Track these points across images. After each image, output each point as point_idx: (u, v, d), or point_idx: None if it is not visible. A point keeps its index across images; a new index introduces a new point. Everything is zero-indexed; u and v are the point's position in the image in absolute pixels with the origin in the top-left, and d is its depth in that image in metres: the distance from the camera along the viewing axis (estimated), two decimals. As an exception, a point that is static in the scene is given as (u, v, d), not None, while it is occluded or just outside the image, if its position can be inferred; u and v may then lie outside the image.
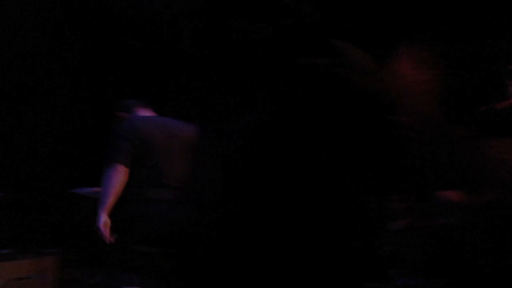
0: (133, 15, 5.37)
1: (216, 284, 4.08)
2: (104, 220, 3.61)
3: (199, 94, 5.86)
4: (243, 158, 4.51)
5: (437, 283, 3.81)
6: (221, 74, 5.77)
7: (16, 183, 5.57)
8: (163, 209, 3.75)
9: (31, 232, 5.50)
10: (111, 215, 3.66)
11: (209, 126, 5.35)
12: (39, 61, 5.50)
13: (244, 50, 5.61)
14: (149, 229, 3.73)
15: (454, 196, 4.18)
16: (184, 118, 5.43)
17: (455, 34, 5.29)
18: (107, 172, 3.64)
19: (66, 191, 4.56)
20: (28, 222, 5.54)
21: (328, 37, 5.33)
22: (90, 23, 5.40)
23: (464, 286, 3.72)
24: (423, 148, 5.45)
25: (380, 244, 4.50)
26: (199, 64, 5.86)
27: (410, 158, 5.46)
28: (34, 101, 5.75)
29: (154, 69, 5.85)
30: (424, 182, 5.25)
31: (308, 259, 4.81)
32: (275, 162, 5.03)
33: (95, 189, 4.21)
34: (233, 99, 5.73)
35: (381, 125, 5.51)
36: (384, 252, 4.35)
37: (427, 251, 3.91)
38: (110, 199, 3.61)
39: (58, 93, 5.76)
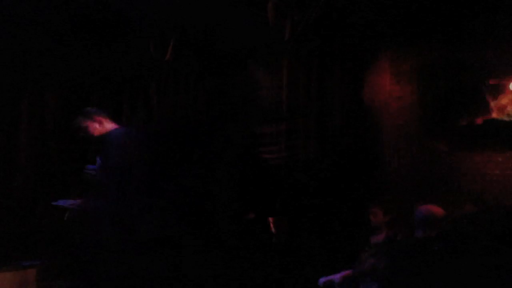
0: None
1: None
2: None
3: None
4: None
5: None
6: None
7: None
8: (149, 214, 3.78)
9: (12, 243, 5.44)
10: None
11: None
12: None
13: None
14: (134, 235, 3.74)
15: (435, 210, 4.22)
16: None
17: (435, 47, 5.37)
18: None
19: (48, 202, 4.53)
20: (9, 232, 5.49)
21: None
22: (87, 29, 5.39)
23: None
24: (402, 162, 5.50)
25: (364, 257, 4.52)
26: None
27: (389, 172, 5.51)
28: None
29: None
30: (404, 195, 5.30)
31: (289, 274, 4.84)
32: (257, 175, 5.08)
33: (77, 201, 4.22)
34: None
35: (360, 139, 5.54)
36: (367, 265, 4.36)
37: (408, 264, 3.92)
38: None
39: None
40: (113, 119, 4.13)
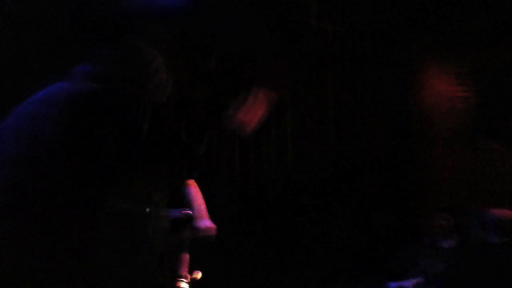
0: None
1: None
2: None
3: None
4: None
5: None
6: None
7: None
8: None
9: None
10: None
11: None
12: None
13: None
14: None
15: (508, 213, 4.07)
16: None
17: (494, 47, 5.33)
18: None
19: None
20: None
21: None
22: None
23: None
24: (460, 164, 5.43)
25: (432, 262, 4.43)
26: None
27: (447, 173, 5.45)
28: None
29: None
30: (466, 198, 5.24)
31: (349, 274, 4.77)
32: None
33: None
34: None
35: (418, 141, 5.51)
36: (437, 271, 4.27)
37: (485, 269, 3.80)
38: None
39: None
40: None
